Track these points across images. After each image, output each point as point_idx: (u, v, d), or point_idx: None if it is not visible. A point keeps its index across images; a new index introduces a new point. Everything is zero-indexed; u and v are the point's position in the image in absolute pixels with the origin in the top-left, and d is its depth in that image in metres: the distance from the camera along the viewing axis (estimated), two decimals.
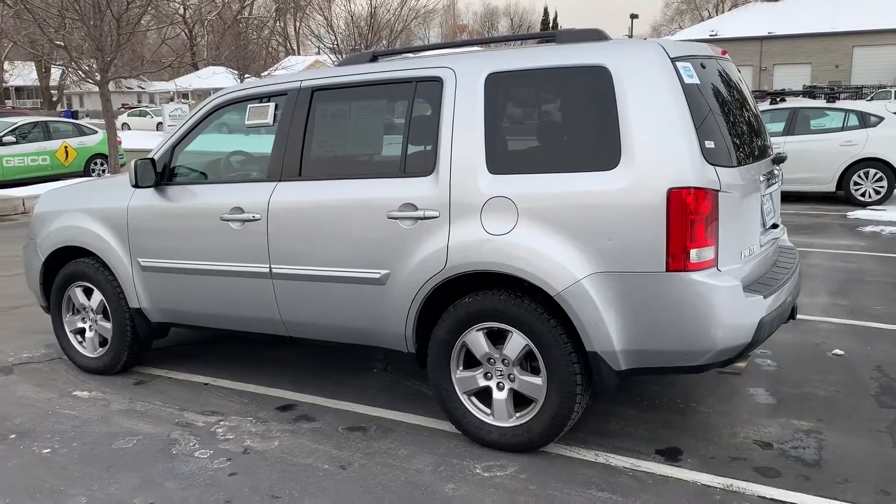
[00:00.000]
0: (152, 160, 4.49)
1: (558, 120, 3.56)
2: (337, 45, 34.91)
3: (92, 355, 4.96)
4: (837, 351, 4.99)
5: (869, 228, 9.94)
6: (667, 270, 3.22)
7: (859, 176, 11.75)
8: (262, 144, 4.77)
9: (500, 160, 3.54)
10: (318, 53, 47.56)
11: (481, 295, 3.59)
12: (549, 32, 3.70)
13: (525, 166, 3.51)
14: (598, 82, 3.36)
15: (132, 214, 4.60)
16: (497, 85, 3.59)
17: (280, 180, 4.13)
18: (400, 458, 3.64)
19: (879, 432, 3.80)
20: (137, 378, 4.87)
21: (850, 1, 45.50)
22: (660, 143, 3.23)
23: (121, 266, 4.66)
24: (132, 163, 4.44)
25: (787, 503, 3.17)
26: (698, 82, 3.40)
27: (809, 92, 14.32)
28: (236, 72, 38.42)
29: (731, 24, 48.78)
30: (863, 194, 11.76)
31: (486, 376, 3.68)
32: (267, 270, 4.15)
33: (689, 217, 3.18)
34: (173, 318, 4.72)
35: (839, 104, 12.37)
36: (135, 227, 4.60)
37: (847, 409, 4.10)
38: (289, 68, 45.13)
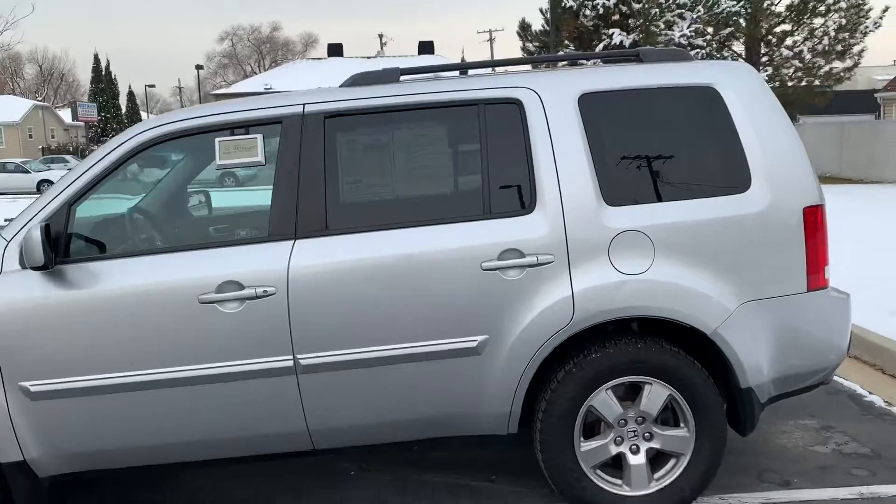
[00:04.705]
0: (46, 226, 2.90)
1: (673, 144, 3.26)
2: None
3: None
4: None
5: None
6: (808, 290, 3.17)
7: None
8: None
9: (616, 190, 3.11)
10: None
11: (612, 346, 3.09)
12: (634, 50, 3.37)
13: (648, 195, 3.14)
14: (709, 102, 3.19)
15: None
16: (593, 106, 3.16)
17: (297, 238, 3.03)
18: None
19: None
20: None
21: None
22: (789, 163, 3.18)
23: None
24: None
25: None
26: None
27: None
28: None
29: (283, 79, 50.93)
30: None
31: (616, 441, 3.17)
32: (289, 364, 2.99)
33: (819, 234, 3.19)
34: (90, 463, 3.11)
35: None
36: (10, 333, 2.91)
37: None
38: None
